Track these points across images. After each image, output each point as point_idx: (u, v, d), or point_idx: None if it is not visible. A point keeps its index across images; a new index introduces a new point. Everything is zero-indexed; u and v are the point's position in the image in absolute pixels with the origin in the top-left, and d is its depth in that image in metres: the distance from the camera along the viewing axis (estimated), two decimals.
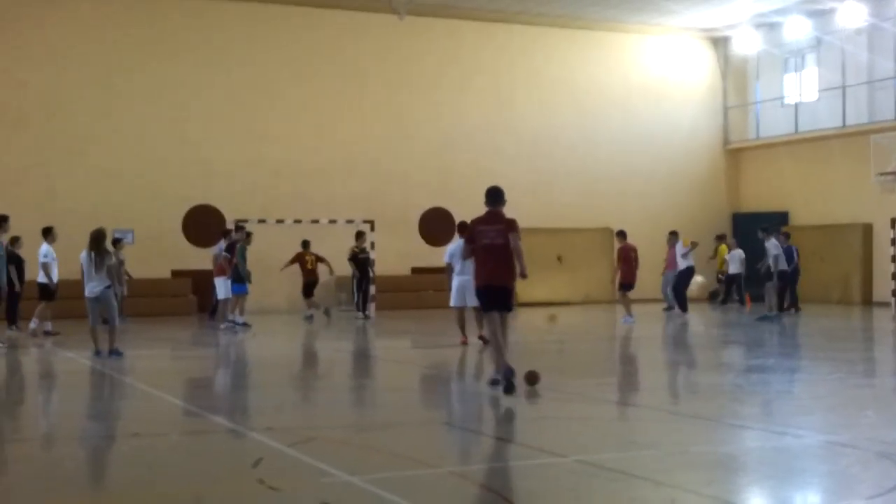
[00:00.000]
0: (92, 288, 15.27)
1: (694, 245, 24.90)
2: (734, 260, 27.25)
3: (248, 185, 27.30)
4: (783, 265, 22.64)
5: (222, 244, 21.51)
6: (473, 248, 11.65)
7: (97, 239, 15.27)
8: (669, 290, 25.48)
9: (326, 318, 23.37)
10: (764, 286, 23.10)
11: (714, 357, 16.57)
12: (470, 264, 15.09)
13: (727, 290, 27.68)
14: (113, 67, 26.68)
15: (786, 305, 24.10)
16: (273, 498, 6.88)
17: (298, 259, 23.98)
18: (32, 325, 19.53)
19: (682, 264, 24.41)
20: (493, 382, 11.65)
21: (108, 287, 15.25)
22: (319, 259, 24.07)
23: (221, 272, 20.72)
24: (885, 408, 10.78)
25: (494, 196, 11.82)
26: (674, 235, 25.36)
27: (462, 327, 17.09)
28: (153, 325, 22.24)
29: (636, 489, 7.04)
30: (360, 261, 24.37)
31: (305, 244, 24.13)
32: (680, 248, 24.56)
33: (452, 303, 17.00)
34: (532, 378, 11.66)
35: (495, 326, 11.53)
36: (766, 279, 22.79)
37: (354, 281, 24.56)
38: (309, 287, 24.05)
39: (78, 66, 26.42)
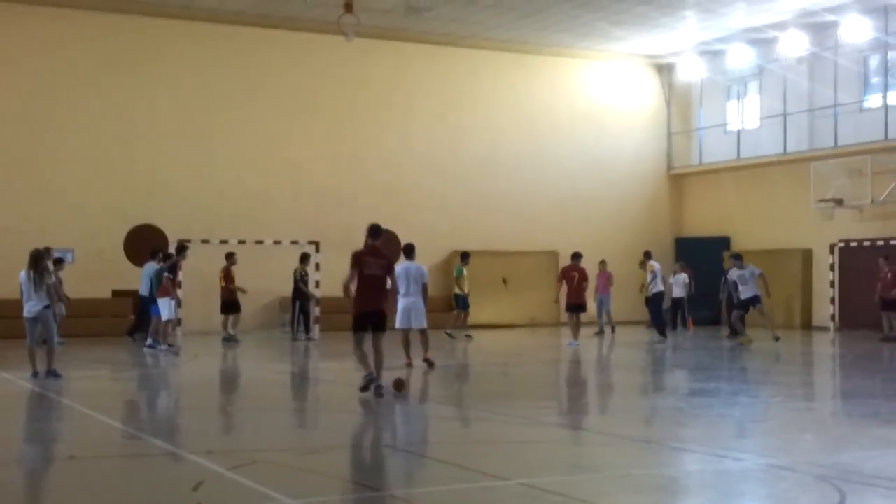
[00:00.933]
0: (31, 307, 15.02)
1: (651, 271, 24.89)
2: (678, 283, 27.53)
3: (193, 205, 27.06)
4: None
5: (153, 264, 21.23)
6: (359, 275, 13.14)
7: (37, 258, 15.02)
8: (604, 314, 25.99)
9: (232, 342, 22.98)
10: (732, 314, 23.45)
11: (656, 380, 16.67)
12: (414, 285, 15.36)
13: (672, 314, 27.87)
14: (56, 83, 26.35)
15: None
16: None
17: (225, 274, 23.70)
18: None
19: (653, 289, 24.56)
20: (364, 388, 13.11)
21: (47, 307, 15.00)
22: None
23: (165, 293, 20.37)
24: (824, 431, 10.91)
25: (377, 232, 13.51)
26: (602, 263, 26.13)
27: (407, 349, 17.05)
28: (92, 346, 21.91)
29: None
30: (305, 283, 24.30)
31: (229, 256, 23.83)
32: (650, 275, 24.77)
33: (398, 324, 16.95)
34: (399, 385, 13.35)
35: (366, 342, 13.30)
36: (738, 307, 22.98)
37: (297, 303, 24.44)
38: (228, 306, 23.66)
39: (20, 81, 26.06)
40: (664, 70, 33.69)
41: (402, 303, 16.56)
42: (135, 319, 23.57)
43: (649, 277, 24.68)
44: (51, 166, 26.11)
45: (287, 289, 25.10)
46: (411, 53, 30.29)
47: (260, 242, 25.22)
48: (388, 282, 13.50)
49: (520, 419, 11.61)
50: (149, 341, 20.52)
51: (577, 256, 22.95)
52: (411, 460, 9.24)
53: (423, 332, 17.00)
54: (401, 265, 16.83)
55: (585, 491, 7.61)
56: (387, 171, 29.72)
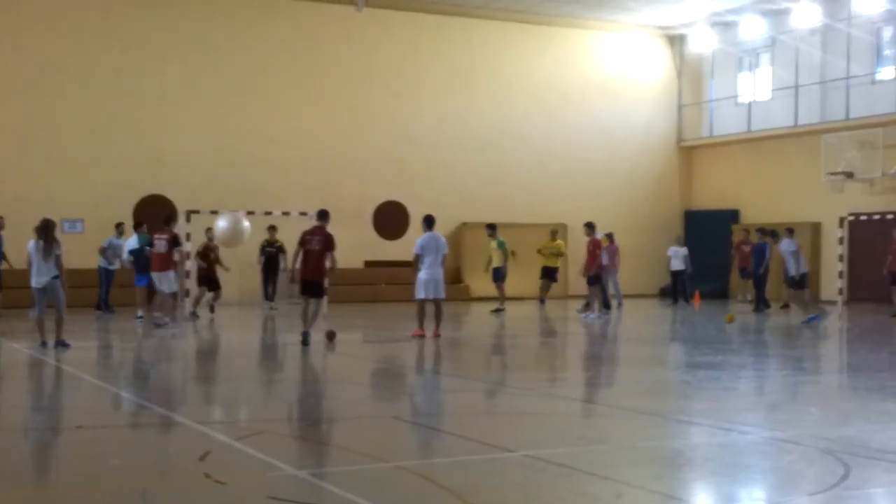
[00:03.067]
0: (39, 278, 15.04)
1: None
2: (677, 257, 27.40)
3: (201, 176, 27.08)
4: (803, 267, 22.37)
5: (134, 237, 20.95)
6: (302, 250, 15.94)
7: (45, 228, 15.02)
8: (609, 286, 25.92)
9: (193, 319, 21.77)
10: (791, 291, 23.14)
11: (663, 353, 16.68)
12: (437, 256, 16.47)
13: (672, 287, 27.81)
14: (66, 53, 26.33)
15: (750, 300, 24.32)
16: (219, 492, 6.83)
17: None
18: None
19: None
20: (303, 342, 15.62)
21: (56, 277, 15.02)
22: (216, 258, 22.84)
23: (167, 265, 19.29)
24: (830, 405, 10.92)
25: (323, 216, 16.33)
26: (609, 236, 25.60)
27: (421, 320, 17.03)
28: (102, 316, 22.01)
29: (583, 484, 7.07)
30: (267, 254, 24.28)
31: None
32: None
33: (421, 294, 16.95)
34: (330, 335, 16.28)
35: (308, 305, 16.00)
36: (794, 285, 22.54)
37: (263, 273, 24.46)
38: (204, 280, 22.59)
39: (30, 52, 26.04)
40: (675, 41, 33.50)
41: (426, 273, 16.72)
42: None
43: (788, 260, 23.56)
44: (60, 138, 26.12)
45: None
46: (422, 24, 30.16)
47: (269, 213, 25.21)
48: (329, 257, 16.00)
49: (526, 391, 11.64)
50: (156, 315, 20.10)
51: (591, 227, 22.84)
52: (417, 431, 9.28)
53: (439, 304, 17.05)
54: (424, 237, 16.91)
55: (591, 463, 7.63)
56: (396, 142, 29.67)
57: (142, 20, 27.13)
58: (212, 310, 22.54)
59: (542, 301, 25.48)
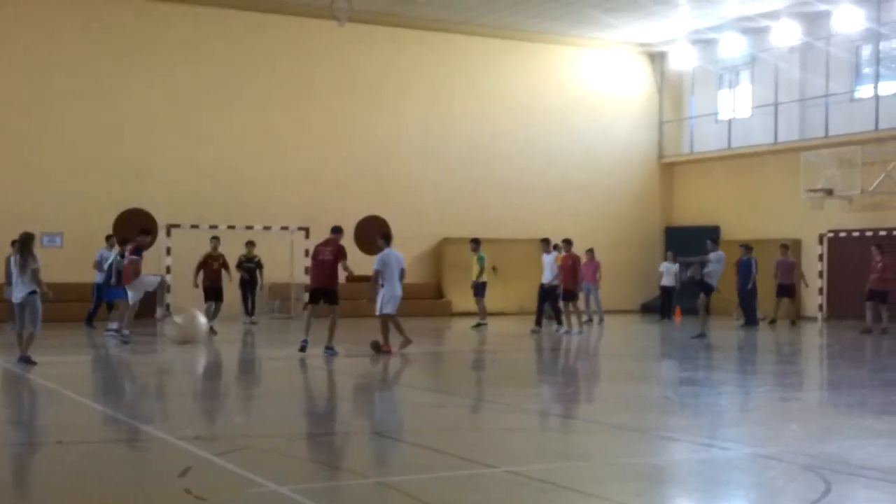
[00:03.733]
0: (17, 293, 14.90)
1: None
2: (668, 273, 27.49)
3: (182, 190, 27.00)
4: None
5: (108, 251, 20.74)
6: (314, 262, 17.01)
7: (23, 242, 14.86)
8: (592, 302, 26.01)
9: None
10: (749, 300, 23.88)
11: (645, 369, 16.71)
12: (396, 274, 16.83)
13: (662, 303, 27.84)
14: (46, 66, 26.23)
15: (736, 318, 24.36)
16: None
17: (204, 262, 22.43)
18: None
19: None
20: (301, 349, 16.59)
21: (33, 292, 14.85)
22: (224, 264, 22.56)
23: (133, 277, 19.11)
24: (810, 421, 10.95)
25: (337, 230, 17.37)
26: (590, 252, 25.87)
27: (387, 336, 17.06)
28: (80, 331, 21.84)
29: (565, 500, 7.07)
30: (245, 269, 24.04)
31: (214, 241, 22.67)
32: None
33: (385, 310, 17.02)
34: (375, 346, 17.07)
35: (313, 312, 17.05)
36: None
37: (248, 288, 24.18)
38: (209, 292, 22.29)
39: (9, 64, 25.93)
40: (656, 58, 33.67)
41: (388, 290, 16.91)
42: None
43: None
44: (40, 150, 26.01)
45: (277, 275, 25.03)
46: (404, 39, 30.22)
47: (250, 227, 25.19)
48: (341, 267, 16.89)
49: (507, 407, 11.63)
50: (113, 326, 19.84)
51: (568, 243, 22.94)
52: (399, 447, 9.25)
53: (392, 318, 17.22)
54: (385, 252, 17.09)
55: (572, 479, 7.63)
56: (377, 157, 29.68)
57: (125, 34, 27.06)
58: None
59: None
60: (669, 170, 34.00)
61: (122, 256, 19.43)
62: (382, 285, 17.01)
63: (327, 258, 16.73)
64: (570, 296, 22.55)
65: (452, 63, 30.96)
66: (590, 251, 26.23)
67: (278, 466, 8.15)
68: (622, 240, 31.31)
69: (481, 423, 10.77)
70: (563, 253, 22.90)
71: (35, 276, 14.78)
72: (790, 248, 26.42)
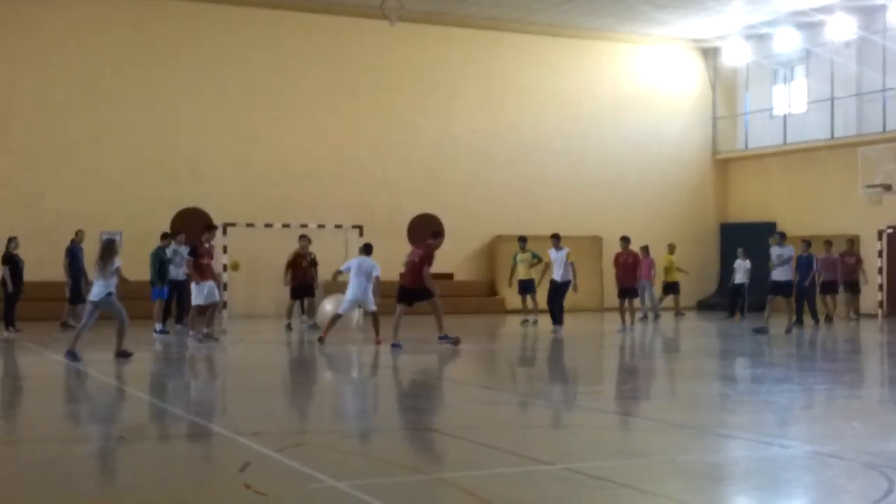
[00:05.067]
0: (95, 293, 15.20)
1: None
2: (741, 270, 27.08)
3: (237, 189, 27.25)
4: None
5: (183, 249, 20.68)
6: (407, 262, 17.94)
7: (106, 248, 15.30)
8: (647, 299, 25.89)
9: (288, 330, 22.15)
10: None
11: (701, 366, 16.58)
12: (364, 278, 17.91)
13: (732, 300, 27.48)
14: (103, 70, 26.61)
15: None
16: (260, 503, 6.85)
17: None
18: None
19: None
20: (441, 338, 17.38)
21: (110, 294, 15.14)
22: (313, 262, 22.89)
23: (196, 277, 19.10)
24: (872, 419, 10.80)
25: (435, 235, 18.42)
26: (645, 249, 25.62)
27: (328, 330, 18.19)
28: (139, 329, 22.07)
29: (623, 498, 7.04)
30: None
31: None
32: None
33: (342, 310, 18.39)
34: (456, 341, 17.64)
35: (401, 312, 17.68)
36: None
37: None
38: (296, 290, 22.69)
39: (67, 68, 26.35)
40: (709, 54, 33.38)
41: (350, 293, 18.09)
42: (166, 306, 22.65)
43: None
44: (98, 152, 26.38)
45: (330, 273, 25.07)
46: (455, 38, 30.24)
47: (304, 226, 25.34)
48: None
49: (565, 404, 11.60)
50: (158, 327, 20.12)
51: (626, 241, 22.88)
52: (456, 444, 9.27)
53: (374, 314, 18.19)
54: (356, 259, 18.39)
55: (630, 476, 7.60)
56: (430, 155, 29.74)
57: (177, 36, 27.37)
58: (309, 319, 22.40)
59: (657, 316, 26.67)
60: (724, 166, 33.69)
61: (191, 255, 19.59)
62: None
63: (414, 260, 17.64)
64: (628, 293, 22.50)
65: (503, 61, 30.92)
66: (644, 248, 26.07)
67: (336, 462, 8.21)
68: (676, 236, 30.97)
69: (537, 420, 10.75)
70: (621, 250, 22.86)
71: (118, 274, 15.23)
72: (833, 244, 26.04)
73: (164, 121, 27.01)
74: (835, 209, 29.42)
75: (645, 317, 25.85)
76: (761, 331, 20.96)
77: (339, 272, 18.81)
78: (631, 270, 22.51)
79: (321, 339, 18.03)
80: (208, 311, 19.05)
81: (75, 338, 15.42)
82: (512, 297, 28.94)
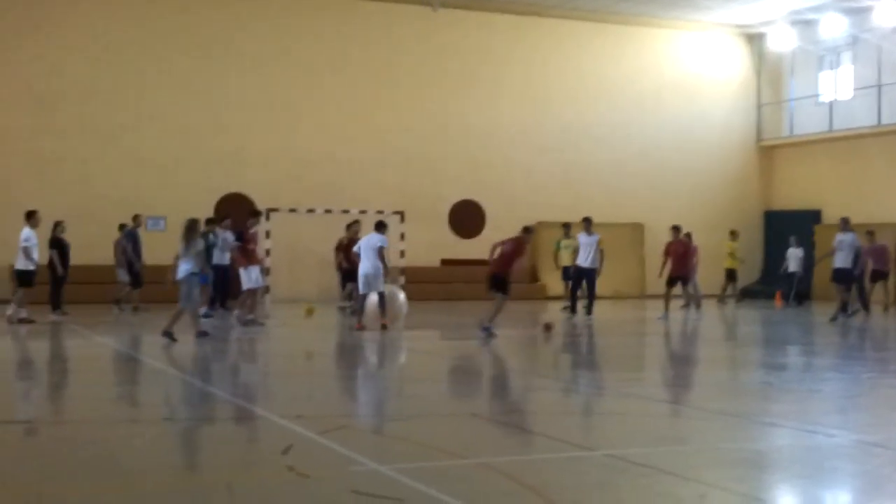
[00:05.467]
0: (180, 271, 15.63)
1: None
2: (793, 258, 26.90)
3: (280, 175, 27.41)
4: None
5: (228, 234, 20.83)
6: (499, 249, 17.62)
7: (188, 227, 15.82)
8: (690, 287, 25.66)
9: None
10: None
11: (744, 355, 16.48)
12: (369, 254, 18.05)
13: (787, 288, 27.30)
14: (148, 55, 26.85)
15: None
16: (302, 485, 6.92)
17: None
18: (9, 311, 19.18)
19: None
20: (484, 329, 16.98)
21: (193, 273, 15.56)
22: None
23: (243, 262, 19.35)
24: None
25: (528, 230, 18.07)
26: (688, 236, 25.34)
27: (360, 314, 18.24)
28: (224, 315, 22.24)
29: (665, 484, 7.02)
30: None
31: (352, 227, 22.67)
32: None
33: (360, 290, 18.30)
34: (548, 327, 18.52)
35: (501, 300, 17.39)
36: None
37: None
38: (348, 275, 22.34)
39: (113, 54, 26.61)
40: (754, 40, 33.05)
41: (360, 269, 18.16)
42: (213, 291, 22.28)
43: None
44: (143, 137, 26.64)
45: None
46: (497, 24, 30.17)
47: (346, 212, 25.45)
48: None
49: (605, 391, 11.59)
50: (203, 310, 19.85)
51: (677, 229, 22.78)
52: (496, 429, 9.29)
53: (381, 295, 18.18)
54: (366, 238, 18.41)
55: (672, 463, 7.57)
56: (472, 141, 29.72)
57: (221, 23, 27.55)
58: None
59: (721, 300, 27.54)
60: (768, 153, 33.38)
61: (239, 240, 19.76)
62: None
63: (507, 250, 17.56)
64: (677, 281, 22.37)
65: (546, 47, 30.81)
66: (687, 235, 25.87)
67: (378, 446, 8.27)
68: (720, 224, 30.77)
69: (579, 407, 10.74)
70: (672, 239, 22.73)
71: (198, 257, 15.71)
72: (874, 233, 25.66)
73: (209, 106, 27.21)
74: (882, 196, 29.06)
75: (687, 305, 25.65)
76: (850, 313, 21.13)
77: (355, 253, 18.79)
78: (682, 259, 22.37)
79: (359, 328, 18.00)
80: (254, 296, 19.26)
81: (173, 319, 15.73)
82: (553, 284, 28.94)
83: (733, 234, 27.99)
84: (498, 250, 17.59)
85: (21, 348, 16.31)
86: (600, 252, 21.32)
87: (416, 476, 7.00)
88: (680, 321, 21.85)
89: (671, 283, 22.44)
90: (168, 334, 15.47)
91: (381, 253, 18.04)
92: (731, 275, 27.89)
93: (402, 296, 19.61)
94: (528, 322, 21.83)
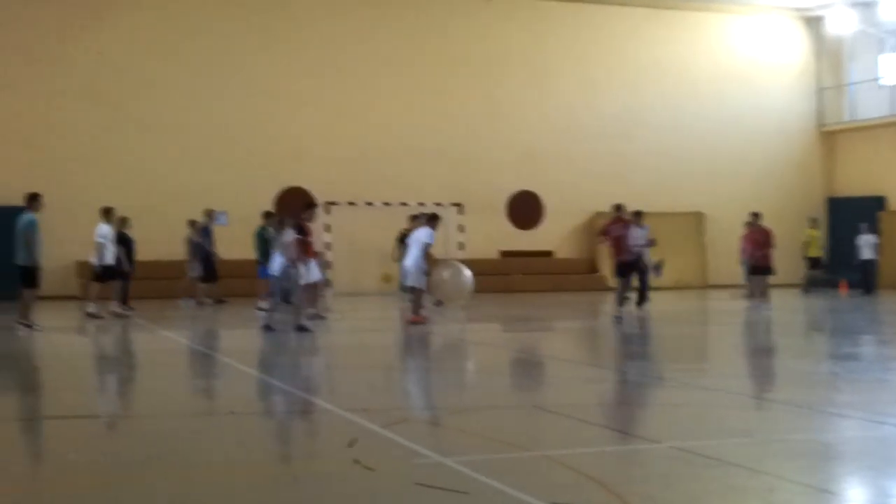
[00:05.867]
0: (275, 266, 16.24)
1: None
2: (867, 245, 26.45)
3: (338, 168, 27.58)
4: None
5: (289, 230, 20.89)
6: (610, 238, 18.88)
7: (279, 221, 16.69)
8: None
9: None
10: None
11: (811, 344, 16.28)
12: (412, 250, 17.82)
13: (863, 277, 26.91)
14: (206, 52, 27.18)
15: None
16: (368, 477, 6.95)
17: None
18: (114, 308, 19.64)
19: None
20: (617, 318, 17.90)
21: (288, 266, 16.09)
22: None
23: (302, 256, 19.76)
24: None
25: (638, 214, 19.59)
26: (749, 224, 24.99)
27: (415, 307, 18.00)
28: (248, 307, 22.49)
29: (732, 477, 6.96)
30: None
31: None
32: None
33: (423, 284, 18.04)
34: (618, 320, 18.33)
35: (623, 284, 18.79)
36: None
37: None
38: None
39: (172, 51, 26.95)
40: (812, 23, 32.57)
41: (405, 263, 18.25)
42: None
43: None
44: (202, 132, 26.97)
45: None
46: (550, 12, 30.06)
47: (404, 204, 25.54)
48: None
49: (670, 381, 11.52)
50: (260, 305, 20.17)
51: (756, 216, 22.23)
52: (559, 421, 9.27)
53: (412, 290, 18.06)
54: (421, 230, 18.13)
55: (739, 455, 7.50)
56: (526, 132, 29.65)
57: (277, 19, 27.84)
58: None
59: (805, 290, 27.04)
60: (830, 138, 32.89)
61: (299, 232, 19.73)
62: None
63: (621, 233, 18.71)
64: (762, 270, 21.78)
65: (599, 34, 30.63)
66: (748, 224, 25.53)
67: (441, 439, 8.29)
68: (781, 211, 30.41)
69: (643, 399, 10.68)
70: (751, 227, 22.23)
71: (286, 249, 16.22)
72: None
73: (267, 101, 27.45)
74: None
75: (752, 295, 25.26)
76: None
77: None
78: (762, 248, 21.86)
79: (414, 322, 17.88)
80: (313, 290, 19.33)
81: (269, 312, 16.56)
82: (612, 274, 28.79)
83: (814, 222, 27.36)
84: (606, 238, 18.78)
85: (96, 343, 16.58)
86: (650, 241, 20.86)
87: (481, 469, 7.01)
88: (750, 310, 21.43)
89: (754, 272, 21.87)
90: (301, 327, 16.06)
91: (423, 248, 17.91)
92: (815, 263, 27.29)
93: (467, 272, 19.54)
94: (589, 313, 21.74)
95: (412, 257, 18.03)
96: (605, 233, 19.65)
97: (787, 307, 23.79)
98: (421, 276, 18.00)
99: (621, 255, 19.12)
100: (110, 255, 19.46)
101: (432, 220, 18.36)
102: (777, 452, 7.69)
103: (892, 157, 30.76)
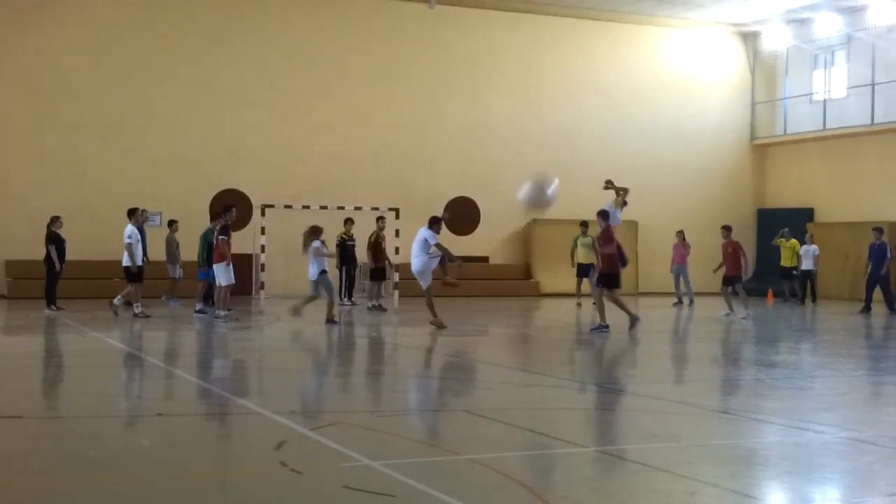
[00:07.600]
0: (311, 272, 17.92)
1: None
2: (808, 255, 26.77)
3: (276, 171, 27.41)
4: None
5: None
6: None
7: (311, 231, 18.08)
8: (681, 284, 25.79)
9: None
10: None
11: (734, 352, 16.54)
12: (414, 250, 17.79)
13: (802, 287, 27.23)
14: (147, 51, 26.85)
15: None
16: (295, 481, 6.95)
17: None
18: (116, 302, 19.61)
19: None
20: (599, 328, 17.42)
21: (324, 272, 17.77)
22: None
23: (222, 258, 19.08)
24: None
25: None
26: (680, 234, 26.07)
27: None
28: (187, 309, 22.31)
29: (656, 481, 7.06)
30: (346, 248, 23.92)
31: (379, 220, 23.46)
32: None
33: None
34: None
35: (599, 294, 18.04)
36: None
37: (343, 269, 23.82)
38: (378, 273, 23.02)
39: (112, 48, 26.60)
40: (749, 38, 33.10)
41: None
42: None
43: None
44: (141, 132, 26.64)
45: (362, 254, 25.22)
46: (493, 21, 30.18)
47: (341, 208, 25.46)
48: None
49: (596, 387, 11.62)
50: (198, 307, 20.18)
51: (728, 229, 22.54)
52: (488, 425, 9.32)
53: (426, 292, 18.04)
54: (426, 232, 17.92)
55: (663, 460, 7.61)
56: (467, 138, 29.74)
57: (219, 18, 27.55)
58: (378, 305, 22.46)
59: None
60: (762, 151, 33.44)
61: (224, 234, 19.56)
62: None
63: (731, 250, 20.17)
64: (733, 280, 22.05)
65: (542, 44, 30.82)
66: (680, 233, 26.04)
67: (371, 442, 8.30)
68: (713, 222, 30.72)
69: (570, 403, 10.77)
70: (724, 239, 22.51)
71: (317, 252, 17.90)
72: (883, 231, 25.67)
73: (207, 103, 27.19)
74: (874, 196, 29.12)
75: (679, 301, 25.78)
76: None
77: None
78: (733, 259, 22.13)
79: (436, 324, 17.75)
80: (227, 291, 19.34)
81: (329, 307, 18.05)
82: (546, 280, 29.05)
83: (786, 234, 27.23)
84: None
85: (24, 344, 16.31)
86: (594, 250, 21.26)
87: (410, 472, 7.04)
88: (747, 320, 21.58)
89: (726, 282, 22.21)
90: (331, 320, 17.81)
91: (425, 246, 17.69)
92: (787, 274, 27.24)
93: (556, 182, 20.13)
94: (521, 319, 21.81)
95: (417, 260, 17.78)
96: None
97: (707, 317, 24.09)
98: (427, 276, 17.77)
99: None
100: (139, 255, 19.88)
101: (434, 223, 18.19)
102: (701, 457, 7.81)
103: (822, 171, 31.36)
